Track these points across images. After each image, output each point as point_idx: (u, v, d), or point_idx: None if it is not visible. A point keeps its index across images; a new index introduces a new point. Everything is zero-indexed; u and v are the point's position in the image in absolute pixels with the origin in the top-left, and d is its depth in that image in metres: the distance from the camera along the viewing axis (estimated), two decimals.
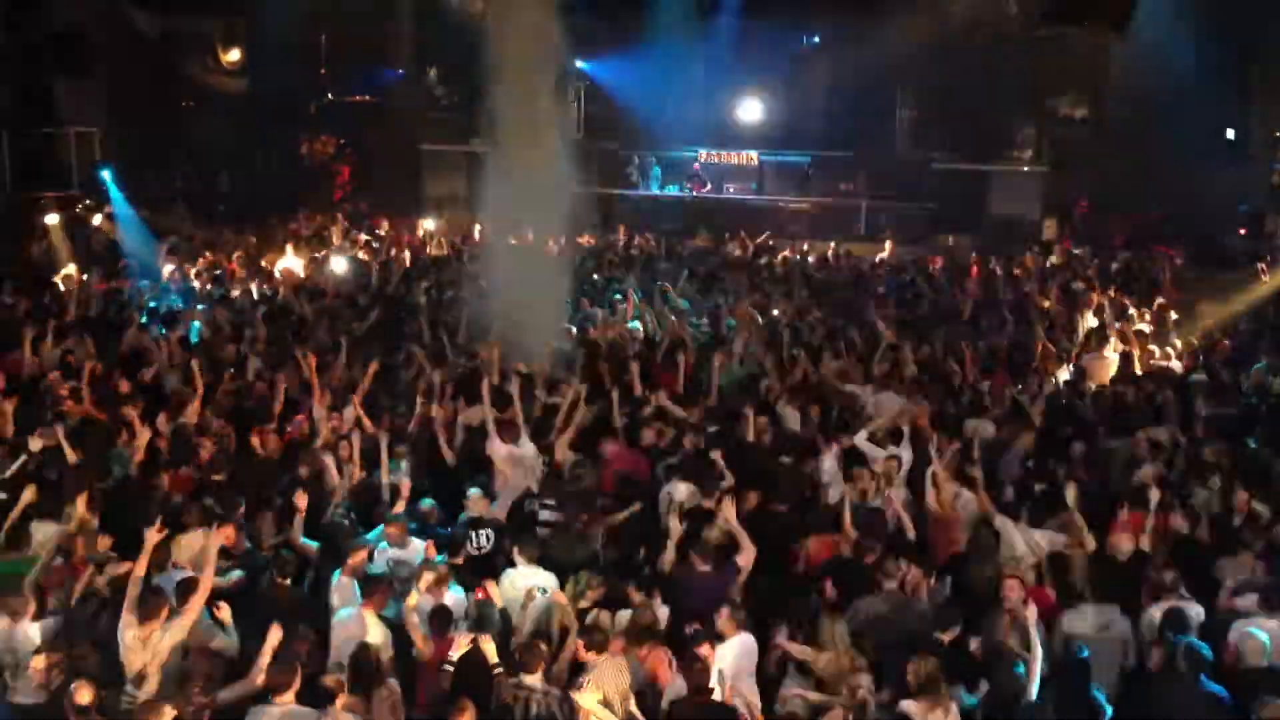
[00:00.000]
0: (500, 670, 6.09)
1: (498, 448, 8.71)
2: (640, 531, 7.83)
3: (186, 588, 6.41)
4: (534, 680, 5.95)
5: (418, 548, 7.44)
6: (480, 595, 6.78)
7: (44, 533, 7.29)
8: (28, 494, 7.47)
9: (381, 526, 7.57)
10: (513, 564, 7.17)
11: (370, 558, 7.30)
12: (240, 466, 8.60)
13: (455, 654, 6.24)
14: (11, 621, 6.37)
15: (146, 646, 6.07)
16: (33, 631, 6.33)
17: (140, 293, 13.91)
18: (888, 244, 17.61)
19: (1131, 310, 13.58)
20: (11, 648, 6.30)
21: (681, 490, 8.17)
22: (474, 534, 7.68)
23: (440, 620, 6.49)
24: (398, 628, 6.63)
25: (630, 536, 7.80)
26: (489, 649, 6.17)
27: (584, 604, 6.80)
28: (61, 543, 7.15)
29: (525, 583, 6.97)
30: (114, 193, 18.02)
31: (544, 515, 8.10)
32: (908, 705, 5.70)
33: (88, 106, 19.07)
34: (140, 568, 6.35)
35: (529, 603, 6.86)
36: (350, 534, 7.61)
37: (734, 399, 10.23)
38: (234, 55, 21.26)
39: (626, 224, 19.16)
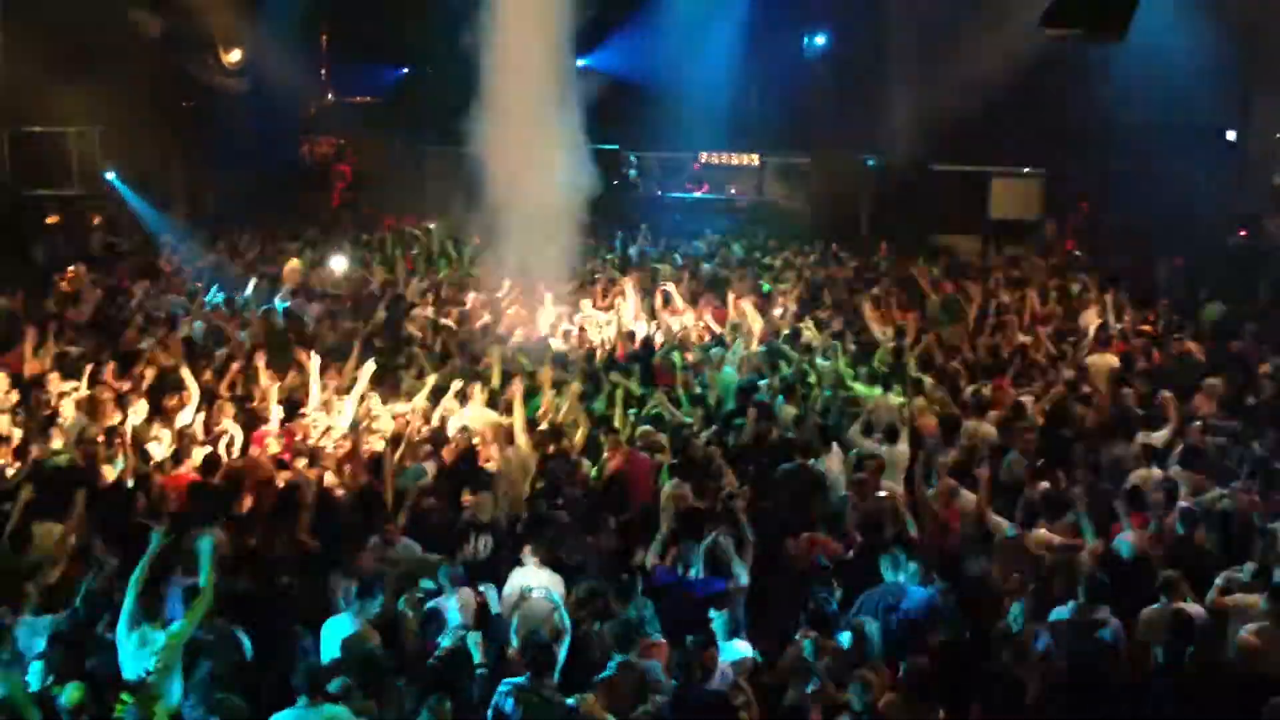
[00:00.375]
0: (485, 670, 6.07)
1: (494, 451, 8.74)
2: (642, 534, 7.83)
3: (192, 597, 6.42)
4: (536, 682, 5.95)
5: (410, 547, 7.47)
6: (479, 600, 6.80)
7: (45, 532, 7.29)
8: (25, 493, 7.48)
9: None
10: (519, 564, 7.17)
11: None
12: (242, 468, 8.62)
13: (440, 651, 6.25)
14: (14, 618, 6.39)
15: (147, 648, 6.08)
16: (36, 628, 6.34)
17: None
18: (883, 245, 17.62)
19: (1132, 312, 13.59)
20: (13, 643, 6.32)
21: (680, 489, 8.19)
22: (473, 539, 7.67)
23: (432, 621, 6.48)
24: (391, 626, 6.66)
25: (631, 538, 7.80)
26: (477, 648, 6.18)
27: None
28: (66, 541, 7.15)
29: (527, 583, 6.96)
30: (126, 193, 18.08)
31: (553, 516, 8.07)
32: (892, 700, 5.71)
33: (88, 106, 19.06)
34: (142, 573, 6.36)
35: (522, 604, 6.85)
36: (354, 536, 7.63)
37: (734, 400, 10.28)
38: (235, 56, 21.24)
39: (627, 226, 19.13)
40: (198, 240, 17.10)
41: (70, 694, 5.61)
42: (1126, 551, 7.39)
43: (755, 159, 21.04)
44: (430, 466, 8.73)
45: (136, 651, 6.13)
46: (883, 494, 8.21)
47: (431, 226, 19.14)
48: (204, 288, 14.22)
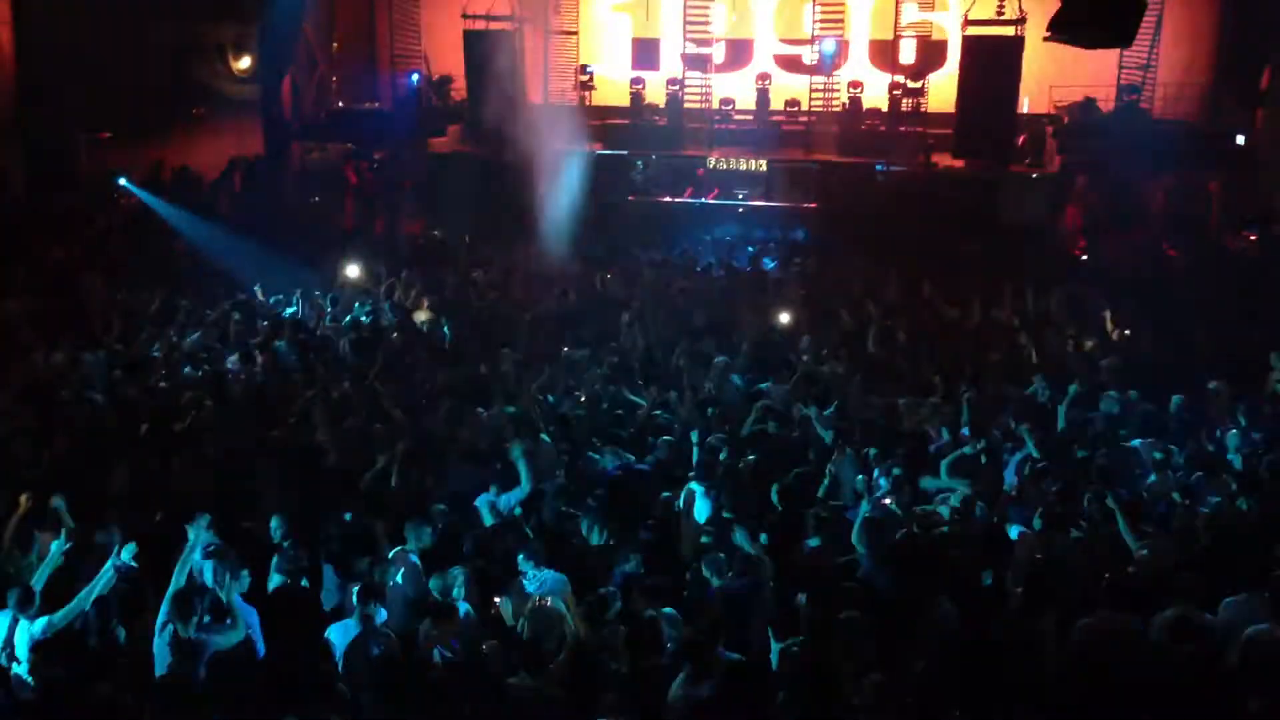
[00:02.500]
0: (498, 677, 6.11)
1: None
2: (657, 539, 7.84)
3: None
4: (539, 683, 5.99)
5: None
6: (493, 611, 6.85)
7: (49, 539, 7.33)
8: (24, 501, 7.54)
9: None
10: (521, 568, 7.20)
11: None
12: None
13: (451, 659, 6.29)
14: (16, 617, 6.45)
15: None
16: (34, 630, 6.41)
17: None
18: None
19: None
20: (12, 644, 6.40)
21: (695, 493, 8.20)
22: (497, 539, 7.70)
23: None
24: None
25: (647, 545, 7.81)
26: (490, 657, 6.22)
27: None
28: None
29: (531, 587, 6.99)
30: (147, 198, 18.15)
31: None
32: None
33: (100, 113, 19.18)
34: (179, 571, 6.45)
35: (534, 609, 6.88)
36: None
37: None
38: (245, 63, 21.36)
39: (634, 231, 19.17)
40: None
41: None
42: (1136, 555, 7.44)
43: (763, 164, 21.00)
44: None
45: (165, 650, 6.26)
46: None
47: (437, 233, 19.21)
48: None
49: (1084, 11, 8.75)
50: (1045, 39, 9.43)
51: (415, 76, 22.48)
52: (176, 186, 19.43)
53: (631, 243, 18.07)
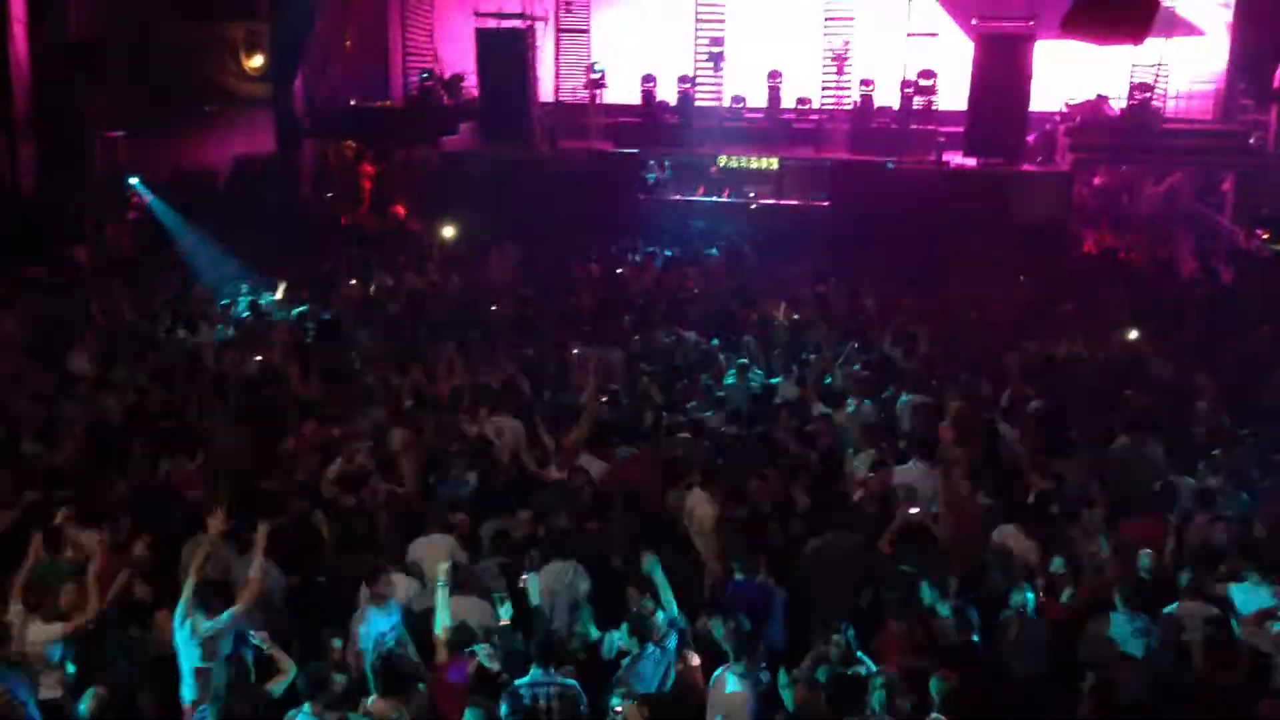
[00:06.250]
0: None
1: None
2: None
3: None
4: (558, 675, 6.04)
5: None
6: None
7: (84, 538, 7.38)
8: (61, 516, 7.53)
9: None
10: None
11: None
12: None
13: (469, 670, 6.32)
14: (30, 618, 6.49)
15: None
16: (52, 631, 6.46)
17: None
18: None
19: None
20: (33, 644, 6.44)
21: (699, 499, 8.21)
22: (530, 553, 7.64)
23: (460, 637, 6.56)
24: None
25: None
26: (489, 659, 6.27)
27: None
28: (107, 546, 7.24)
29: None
30: (154, 200, 18.24)
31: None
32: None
33: (111, 112, 19.24)
34: (198, 565, 6.51)
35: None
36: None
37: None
38: (257, 61, 21.38)
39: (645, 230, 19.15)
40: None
41: (88, 702, 5.72)
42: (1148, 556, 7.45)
43: (775, 162, 20.97)
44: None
45: (188, 642, 6.30)
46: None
47: (449, 232, 19.20)
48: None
49: (1097, 10, 8.75)
50: (1058, 36, 9.44)
51: (426, 74, 22.46)
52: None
53: (643, 241, 18.06)
